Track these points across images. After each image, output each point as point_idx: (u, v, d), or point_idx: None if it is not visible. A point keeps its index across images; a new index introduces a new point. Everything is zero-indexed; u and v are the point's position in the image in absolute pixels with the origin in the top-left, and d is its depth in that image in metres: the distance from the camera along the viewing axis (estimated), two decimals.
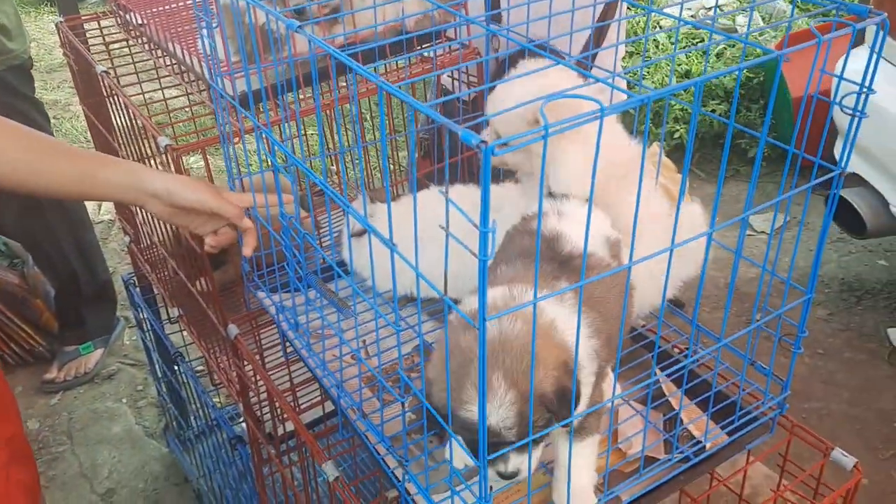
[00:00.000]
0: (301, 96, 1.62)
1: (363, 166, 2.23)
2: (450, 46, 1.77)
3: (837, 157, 1.08)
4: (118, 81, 1.91)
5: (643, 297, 1.36)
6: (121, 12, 1.92)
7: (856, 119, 1.02)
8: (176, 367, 2.32)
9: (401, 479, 1.20)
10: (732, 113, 1.03)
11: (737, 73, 0.93)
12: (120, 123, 1.89)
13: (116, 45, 2.04)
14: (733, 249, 1.20)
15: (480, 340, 0.85)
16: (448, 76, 2.25)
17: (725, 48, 5.01)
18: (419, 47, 1.65)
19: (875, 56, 0.96)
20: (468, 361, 1.01)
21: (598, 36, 2.24)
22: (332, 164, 2.30)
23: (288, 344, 1.53)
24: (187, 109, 2.03)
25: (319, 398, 1.67)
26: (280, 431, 1.75)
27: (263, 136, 1.27)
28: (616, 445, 1.31)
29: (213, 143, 1.48)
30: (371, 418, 1.31)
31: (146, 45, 1.80)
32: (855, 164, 3.09)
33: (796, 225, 3.86)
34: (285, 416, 1.67)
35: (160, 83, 1.92)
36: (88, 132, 2.25)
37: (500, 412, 0.99)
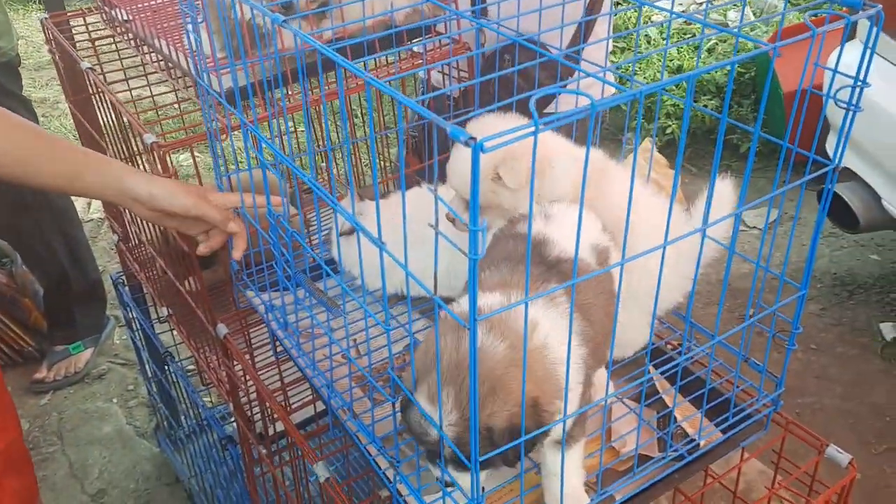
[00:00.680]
0: (290, 92, 1.60)
1: (351, 163, 2.21)
2: (439, 41, 1.76)
3: (830, 151, 1.07)
4: (104, 78, 1.89)
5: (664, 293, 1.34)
6: (106, 8, 1.89)
7: (850, 113, 1.00)
8: (166, 367, 2.30)
9: (392, 480, 1.18)
10: (725, 108, 1.02)
11: (729, 67, 0.92)
12: (106, 121, 1.87)
13: (103, 42, 2.02)
14: (727, 246, 1.19)
15: (471, 341, 0.83)
16: (437, 72, 2.24)
17: (717, 43, 5.01)
18: (409, 42, 1.63)
19: (870, 49, 0.94)
20: (428, 370, 0.98)
21: (586, 31, 2.22)
22: (322, 161, 2.28)
23: (278, 343, 1.51)
24: (176, 106, 2.01)
25: (311, 397, 1.65)
26: (271, 431, 1.74)
27: (251, 133, 1.25)
28: (609, 444, 1.30)
29: (201, 140, 1.46)
30: (362, 418, 1.30)
31: (132, 42, 1.78)
32: (847, 158, 3.09)
33: (788, 220, 3.86)
34: (276, 415, 1.66)
35: (147, 80, 1.89)
36: (77, 130, 2.23)
37: (444, 429, 0.96)
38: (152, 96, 1.88)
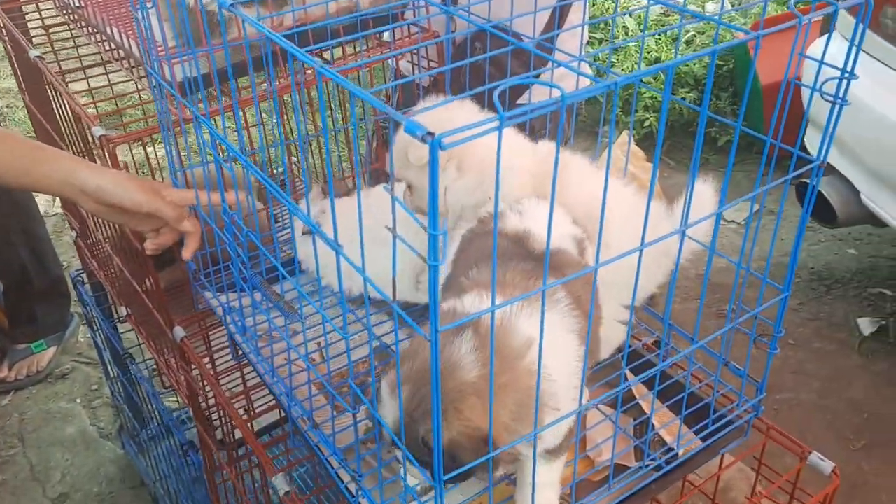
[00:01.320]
0: (247, 84, 1.52)
1: (306, 158, 2.13)
2: (408, 28, 1.68)
3: (809, 145, 1.01)
4: (60, 67, 1.79)
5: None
6: None
7: (836, 107, 0.95)
8: (128, 368, 2.21)
9: (354, 494, 1.12)
10: (705, 101, 0.95)
11: (709, 57, 0.86)
12: (61, 114, 1.78)
13: (58, 30, 1.92)
14: (707, 245, 1.13)
15: (433, 353, 0.77)
16: (407, 62, 2.16)
17: (695, 35, 4.97)
18: (374, 28, 1.55)
19: (858, 40, 0.89)
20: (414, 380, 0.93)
21: (560, 18, 2.16)
22: (296, 155, 2.20)
23: (238, 347, 1.43)
24: (136, 96, 1.91)
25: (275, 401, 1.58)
26: (235, 436, 1.66)
27: (204, 126, 1.17)
28: (584, 453, 1.24)
29: (153, 133, 1.38)
30: (324, 427, 1.23)
31: (85, 29, 1.68)
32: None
33: (767, 213, 3.83)
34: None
35: (105, 69, 1.79)
36: (31, 123, 2.13)
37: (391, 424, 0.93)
38: (110, 85, 1.78)
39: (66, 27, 1.90)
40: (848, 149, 2.93)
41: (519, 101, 2.25)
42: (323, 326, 1.07)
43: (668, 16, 5.28)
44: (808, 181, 1.02)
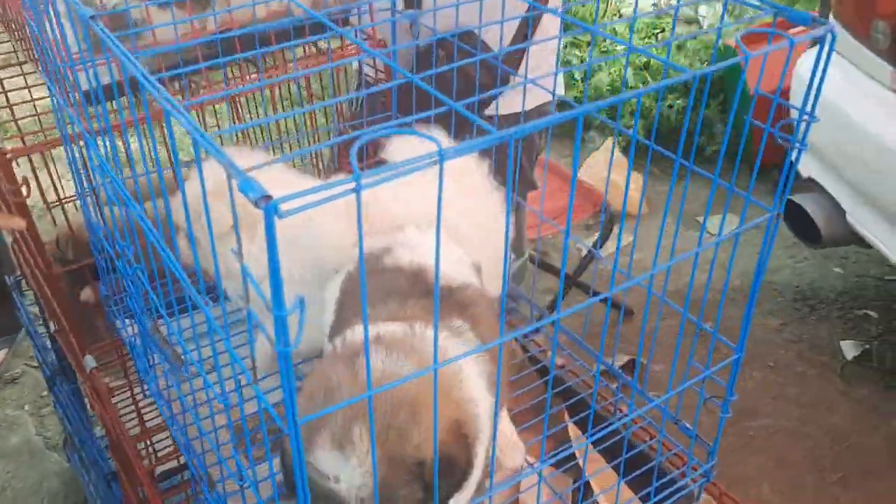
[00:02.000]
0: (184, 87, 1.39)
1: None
2: (356, 33, 1.55)
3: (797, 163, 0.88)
4: None
5: None
6: None
7: (795, 150, 0.82)
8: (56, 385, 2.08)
9: None
10: (695, 116, 0.82)
11: (699, 65, 0.73)
12: None
13: None
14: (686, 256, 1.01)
15: (293, 447, 0.64)
16: (368, 65, 2.03)
17: (687, 41, 4.83)
18: (309, 36, 1.42)
19: (819, 74, 0.76)
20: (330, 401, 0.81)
21: (532, 28, 2.03)
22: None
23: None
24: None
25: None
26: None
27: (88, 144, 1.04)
28: None
29: (53, 146, 1.24)
30: (230, 484, 1.10)
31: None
32: (810, 168, 2.92)
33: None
34: (160, 454, 1.47)
35: (21, 69, 1.64)
36: None
37: (357, 477, 0.79)
38: (27, 87, 1.62)
39: None
40: (832, 164, 2.80)
41: (486, 112, 2.12)
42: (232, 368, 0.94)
43: (661, 17, 5.15)
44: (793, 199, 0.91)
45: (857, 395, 2.98)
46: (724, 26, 4.52)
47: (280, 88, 1.88)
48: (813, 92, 0.75)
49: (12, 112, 1.53)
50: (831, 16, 2.77)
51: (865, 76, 2.68)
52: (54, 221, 1.74)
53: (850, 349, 3.13)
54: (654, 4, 5.41)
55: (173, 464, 1.49)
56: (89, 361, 1.42)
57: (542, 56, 2.19)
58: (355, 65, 2.18)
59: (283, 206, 0.52)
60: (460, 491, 0.86)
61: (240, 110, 1.95)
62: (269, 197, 0.53)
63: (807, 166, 2.93)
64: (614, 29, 4.93)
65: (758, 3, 0.82)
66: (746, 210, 0.95)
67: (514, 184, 1.94)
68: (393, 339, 0.89)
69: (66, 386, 1.98)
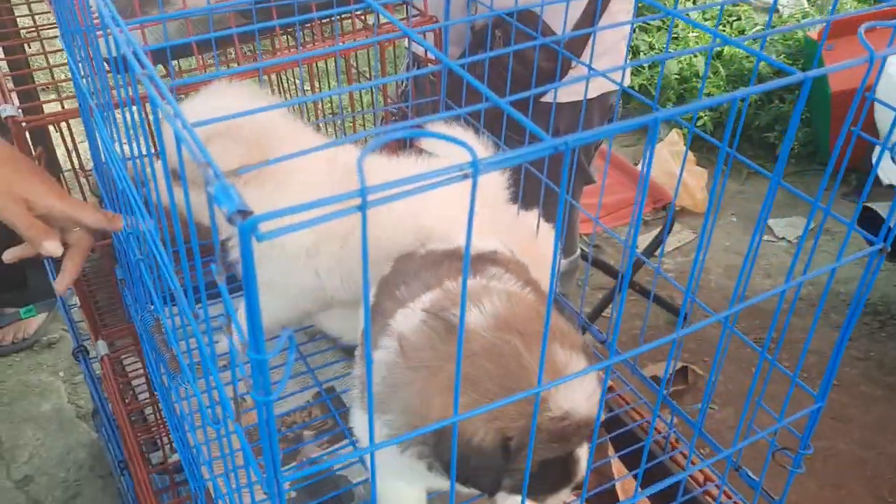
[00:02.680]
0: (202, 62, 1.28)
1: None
2: (406, 9, 1.42)
3: (881, 173, 0.74)
4: None
5: None
6: None
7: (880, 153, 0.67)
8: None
9: None
10: (726, 138, 0.68)
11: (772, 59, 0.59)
12: None
13: None
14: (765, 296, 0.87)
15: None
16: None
17: (762, 28, 4.58)
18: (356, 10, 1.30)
19: None
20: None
21: (601, 9, 1.86)
22: None
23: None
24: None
25: None
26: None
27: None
28: None
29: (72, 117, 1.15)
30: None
31: None
32: (890, 174, 2.70)
33: (825, 232, 3.49)
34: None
35: (38, 34, 1.54)
36: None
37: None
38: (45, 53, 1.53)
39: None
40: None
41: (542, 100, 1.97)
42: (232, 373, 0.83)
43: (737, 6, 4.91)
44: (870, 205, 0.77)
45: None
46: (810, 23, 4.26)
47: (317, 65, 1.76)
48: None
49: (52, 76, 1.48)
50: None
51: None
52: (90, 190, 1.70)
53: None
54: None
55: None
56: (101, 347, 1.34)
57: (611, 41, 2.02)
58: (406, 42, 2.05)
59: (263, 228, 0.40)
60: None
61: (271, 87, 1.84)
62: (246, 213, 0.40)
63: (886, 173, 2.72)
64: (687, 15, 4.70)
65: None
66: (816, 216, 0.80)
67: (570, 186, 1.79)
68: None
69: (84, 362, 1.91)
